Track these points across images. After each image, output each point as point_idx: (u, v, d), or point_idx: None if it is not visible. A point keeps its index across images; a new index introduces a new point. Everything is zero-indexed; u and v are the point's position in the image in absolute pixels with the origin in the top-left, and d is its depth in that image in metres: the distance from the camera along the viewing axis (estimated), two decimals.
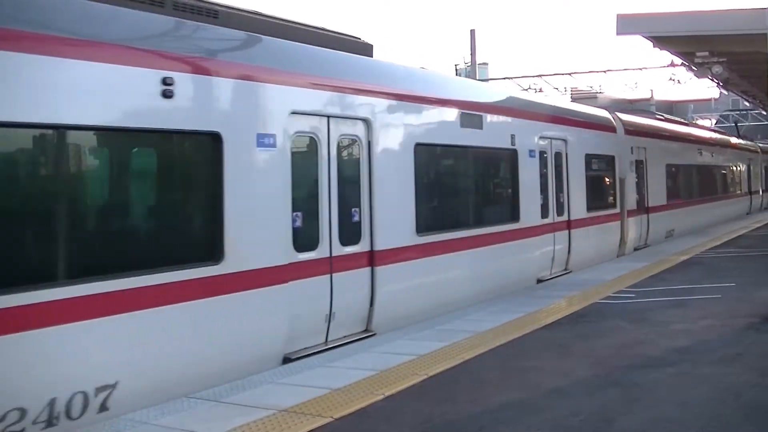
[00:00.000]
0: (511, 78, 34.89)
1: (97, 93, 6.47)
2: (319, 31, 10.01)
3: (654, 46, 15.90)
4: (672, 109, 48.21)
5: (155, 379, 6.68)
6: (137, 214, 7.41)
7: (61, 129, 6.20)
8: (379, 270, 9.47)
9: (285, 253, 8.14)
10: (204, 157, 7.61)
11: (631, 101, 34.80)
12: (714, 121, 51.11)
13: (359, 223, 9.34)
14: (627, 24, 14.40)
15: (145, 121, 6.91)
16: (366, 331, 9.32)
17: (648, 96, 45.08)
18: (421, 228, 10.43)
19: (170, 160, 7.63)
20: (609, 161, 17.91)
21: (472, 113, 11.94)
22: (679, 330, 8.89)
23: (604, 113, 18.86)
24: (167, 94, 6.99)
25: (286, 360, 8.04)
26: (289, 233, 8.23)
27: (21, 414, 5.70)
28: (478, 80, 24.74)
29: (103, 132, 6.73)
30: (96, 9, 6.83)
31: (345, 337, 8.96)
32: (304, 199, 8.64)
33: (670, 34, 14.80)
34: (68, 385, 6.05)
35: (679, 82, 34.87)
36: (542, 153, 14.36)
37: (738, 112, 47.31)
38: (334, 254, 8.86)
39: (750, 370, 7.04)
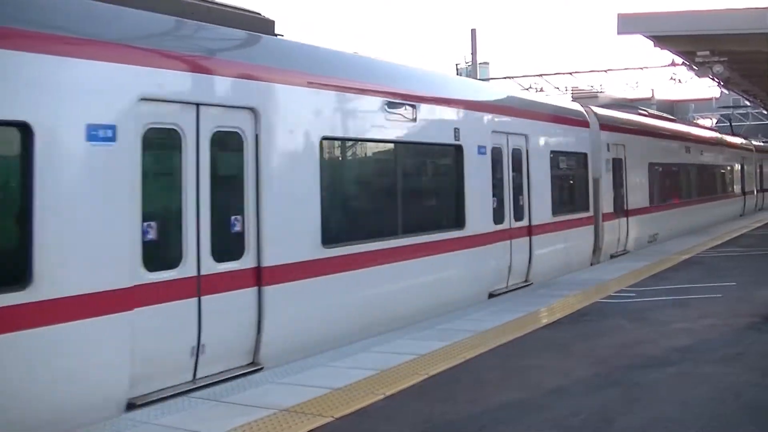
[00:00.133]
0: (512, 77, 34.82)
1: None
2: (203, 3, 8.31)
3: (655, 46, 15.88)
4: (673, 108, 48.18)
5: None
6: None
7: None
8: (269, 290, 7.91)
9: (129, 273, 6.63)
10: (6, 154, 6.20)
11: (631, 101, 34.74)
12: (715, 121, 51.08)
13: (242, 234, 7.79)
14: (628, 23, 14.38)
15: None
16: (252, 364, 7.78)
17: (649, 95, 45.08)
18: (330, 239, 8.84)
19: None
20: (580, 159, 16.14)
21: (401, 102, 10.27)
22: (680, 329, 8.89)
23: (575, 106, 17.21)
24: None
25: (131, 406, 6.51)
26: (136, 248, 6.74)
27: None
28: (479, 80, 23.51)
29: None
30: None
31: (221, 372, 7.39)
32: (162, 207, 7.27)
33: (670, 33, 14.79)
34: None
35: (680, 81, 34.88)
36: (496, 150, 12.63)
37: (735, 110, 47.20)
38: (203, 273, 7.32)
39: (751, 369, 7.04)
